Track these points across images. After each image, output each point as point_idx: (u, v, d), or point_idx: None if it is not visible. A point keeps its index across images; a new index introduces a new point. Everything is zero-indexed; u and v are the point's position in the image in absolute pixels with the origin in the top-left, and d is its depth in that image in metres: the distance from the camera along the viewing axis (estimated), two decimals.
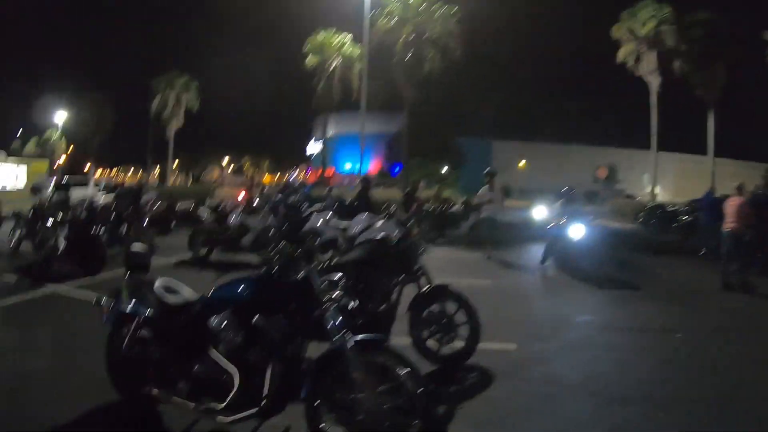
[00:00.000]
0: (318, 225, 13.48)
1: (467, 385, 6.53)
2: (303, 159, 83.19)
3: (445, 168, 61.92)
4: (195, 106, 57.96)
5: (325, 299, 4.30)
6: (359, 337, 4.27)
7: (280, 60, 77.37)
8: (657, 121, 43.19)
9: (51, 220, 13.87)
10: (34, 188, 15.94)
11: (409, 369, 4.11)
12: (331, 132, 72.06)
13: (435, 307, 6.92)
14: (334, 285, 4.42)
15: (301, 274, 4.46)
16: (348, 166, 67.80)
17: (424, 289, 6.97)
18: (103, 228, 13.45)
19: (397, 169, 58.59)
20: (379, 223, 12.13)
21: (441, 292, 6.95)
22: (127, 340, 5.17)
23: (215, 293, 4.78)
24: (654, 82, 42.40)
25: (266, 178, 78.96)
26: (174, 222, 22.29)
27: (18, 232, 16.32)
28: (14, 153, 49.58)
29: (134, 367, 5.10)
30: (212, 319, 4.57)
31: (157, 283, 5.20)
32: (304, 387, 4.26)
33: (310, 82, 49.81)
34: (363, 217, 12.66)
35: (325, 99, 49.36)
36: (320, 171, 64.97)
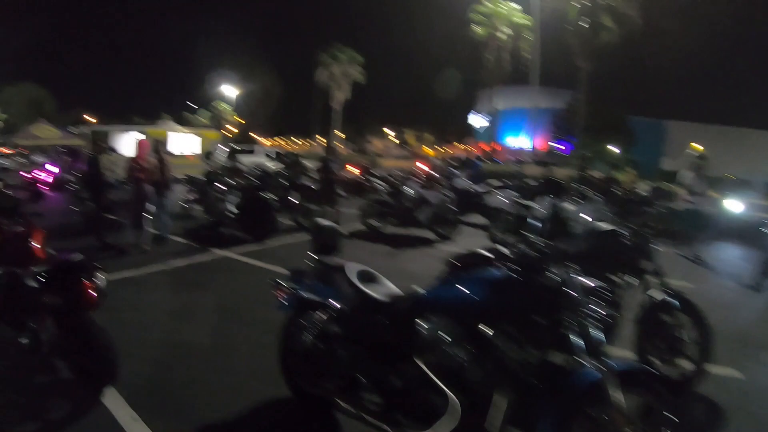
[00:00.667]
0: (504, 203, 12.17)
1: (700, 418, 4.97)
2: (466, 133, 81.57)
3: (615, 149, 57.62)
4: (360, 78, 58.04)
5: (579, 312, 3.14)
6: (622, 364, 3.09)
7: (444, 32, 75.78)
8: None
9: (222, 186, 13.67)
10: (208, 155, 15.85)
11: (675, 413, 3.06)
12: (496, 106, 70.21)
13: (665, 318, 5.34)
14: (587, 293, 3.27)
15: (554, 278, 3.26)
16: (514, 141, 65.56)
17: (655, 295, 5.39)
18: (274, 195, 12.93)
19: (565, 147, 55.28)
20: (568, 205, 10.99)
21: (676, 302, 5.31)
22: (308, 331, 4.26)
23: (434, 290, 3.71)
24: None
25: (428, 150, 78.40)
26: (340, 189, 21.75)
27: (191, 196, 16.51)
28: (186, 123, 52.39)
29: (314, 365, 4.18)
30: (423, 321, 3.48)
31: (352, 269, 4.21)
32: (542, 424, 3.03)
33: (474, 54, 47.67)
34: (551, 198, 11.67)
35: (494, 71, 47.04)
36: (485, 146, 63.40)
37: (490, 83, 49.51)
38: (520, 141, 66.74)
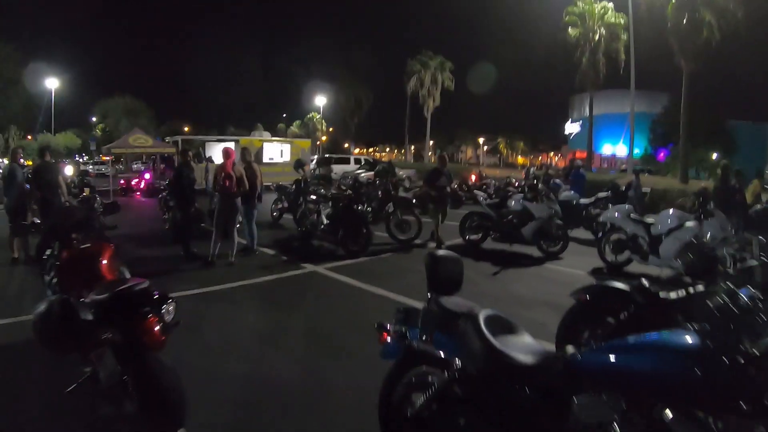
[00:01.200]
0: (616, 218, 10.85)
1: None
2: (558, 140, 79.00)
3: (715, 155, 53.57)
4: (450, 85, 57.05)
5: None
6: None
7: (537, 36, 73.41)
8: None
9: (313, 196, 13.01)
10: (298, 163, 15.21)
11: None
12: (588, 111, 67.52)
13: None
14: None
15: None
16: (609, 148, 62.70)
17: None
18: (368, 207, 12.12)
19: (663, 153, 52.29)
20: (692, 222, 9.31)
21: None
22: (419, 390, 3.25)
23: (596, 355, 2.63)
24: None
25: (520, 159, 76.38)
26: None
27: (280, 205, 15.97)
28: (279, 134, 52.99)
29: None
30: (582, 398, 2.47)
31: (482, 317, 3.07)
32: None
33: (568, 58, 45.38)
34: (671, 213, 10.07)
35: (589, 74, 44.61)
36: (580, 153, 60.94)
37: (584, 88, 47.05)
38: (616, 148, 63.61)
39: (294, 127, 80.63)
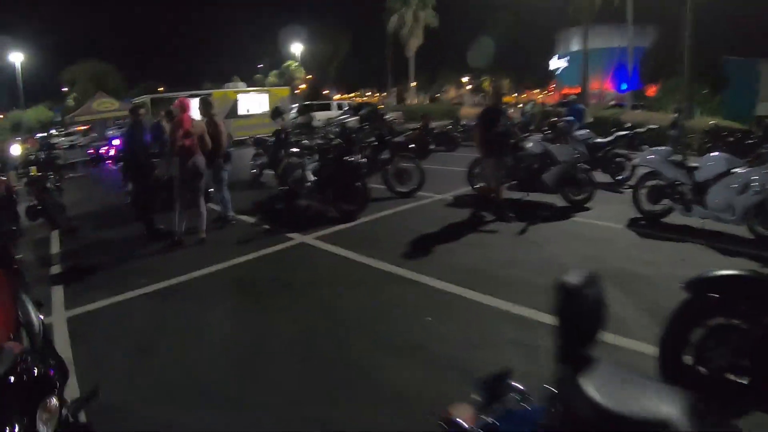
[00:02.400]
0: (654, 161, 9.08)
1: None
2: (545, 77, 76.28)
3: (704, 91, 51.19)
4: (434, 23, 53.54)
5: None
6: None
7: None
8: None
9: (296, 148, 11.06)
10: (276, 112, 13.11)
11: None
12: (576, 47, 65.01)
13: None
14: None
15: None
16: (597, 85, 60.32)
17: None
18: (362, 157, 10.18)
19: (653, 89, 50.20)
20: (743, 168, 7.98)
21: None
22: None
23: None
24: None
25: (506, 97, 73.79)
26: (431, 144, 18.95)
27: (260, 161, 14.00)
28: (257, 85, 50.41)
29: None
30: None
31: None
32: None
33: None
34: (717, 156, 8.48)
35: (584, 6, 41.87)
36: (570, 90, 58.87)
37: (579, 20, 44.64)
38: (603, 84, 61.29)
39: (272, 77, 77.24)
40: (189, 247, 8.04)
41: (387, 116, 14.39)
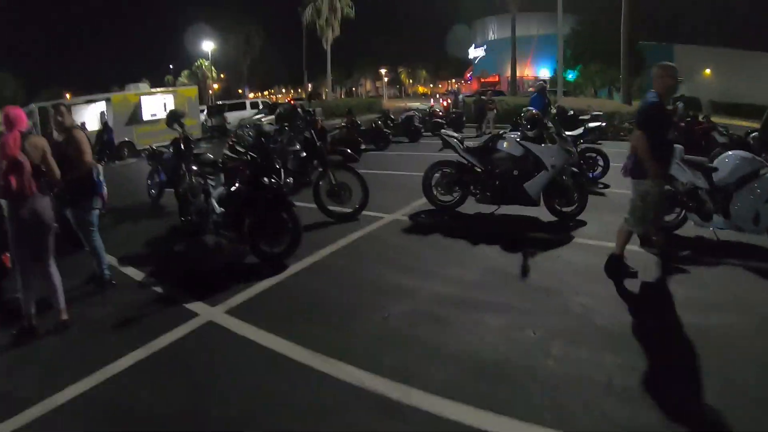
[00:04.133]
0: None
1: None
2: (462, 66, 74.53)
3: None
4: (350, 13, 50.11)
5: None
6: None
7: None
8: None
9: (199, 165, 8.00)
10: (171, 116, 9.60)
11: None
12: (493, 36, 63.78)
13: None
14: None
15: None
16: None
17: None
18: (287, 176, 7.25)
19: (571, 75, 49.38)
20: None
21: None
22: None
23: None
24: None
25: (422, 88, 71.45)
26: (362, 144, 16.39)
27: (157, 178, 10.90)
28: (167, 86, 46.21)
29: None
30: None
31: None
32: None
33: None
34: (738, 156, 6.85)
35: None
36: (483, 78, 57.55)
37: (493, 10, 43.33)
38: (523, 71, 60.30)
39: (183, 78, 72.34)
40: (43, 340, 4.88)
41: (313, 112, 11.48)
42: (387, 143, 18.24)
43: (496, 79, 58.83)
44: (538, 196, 7.93)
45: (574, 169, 8.13)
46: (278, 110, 11.17)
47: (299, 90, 69.16)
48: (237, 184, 6.93)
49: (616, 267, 5.68)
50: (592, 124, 11.58)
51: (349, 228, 7.86)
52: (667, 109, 5.62)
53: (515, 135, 8.29)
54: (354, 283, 5.81)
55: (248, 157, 6.98)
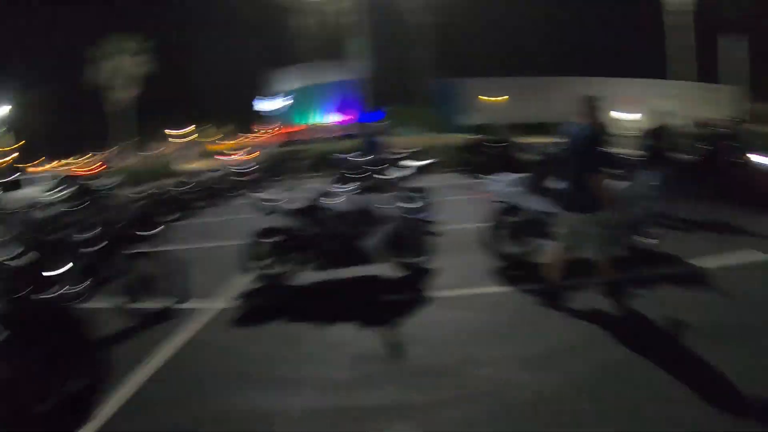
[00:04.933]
0: (507, 192, 6.46)
1: None
2: (254, 120, 72.57)
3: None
4: (148, 71, 47.16)
5: None
6: None
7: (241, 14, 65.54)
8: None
9: None
10: None
11: None
12: (292, 86, 63.26)
13: None
14: None
15: None
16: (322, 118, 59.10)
17: None
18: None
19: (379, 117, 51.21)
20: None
21: None
22: None
23: None
24: None
25: (222, 144, 67.45)
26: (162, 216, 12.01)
27: None
28: None
29: None
30: None
31: None
32: None
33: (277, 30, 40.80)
34: None
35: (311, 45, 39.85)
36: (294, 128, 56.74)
37: (289, 61, 43.31)
38: (331, 117, 60.52)
39: None
40: None
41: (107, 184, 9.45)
42: (187, 211, 15.57)
43: (301, 128, 58.29)
44: (380, 253, 6.87)
45: (414, 216, 7.20)
46: (65, 186, 9.17)
47: (95, 156, 62.95)
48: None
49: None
50: (421, 162, 10.84)
51: (165, 332, 5.89)
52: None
53: (345, 188, 7.16)
54: (191, 424, 4.15)
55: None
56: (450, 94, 49.90)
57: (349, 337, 5.35)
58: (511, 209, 7.04)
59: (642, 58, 42.12)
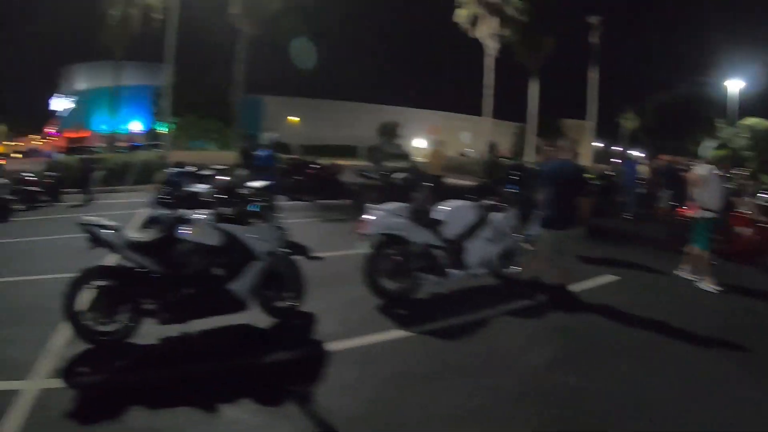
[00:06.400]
0: (392, 223, 6.43)
1: None
2: (43, 119, 63.39)
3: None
4: None
5: None
6: None
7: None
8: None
9: None
10: None
11: None
12: (82, 86, 56.07)
13: None
14: None
15: None
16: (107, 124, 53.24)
17: None
18: None
19: (165, 127, 48.02)
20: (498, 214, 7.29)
21: None
22: None
23: None
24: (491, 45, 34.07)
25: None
26: None
27: None
28: None
29: None
30: None
31: None
32: None
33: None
34: (462, 206, 7.03)
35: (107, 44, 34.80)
36: (74, 133, 50.26)
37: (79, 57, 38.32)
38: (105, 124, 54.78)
39: None
40: None
41: None
42: (4, 215, 12.43)
43: (88, 134, 51.85)
44: (250, 297, 5.23)
45: (285, 249, 5.65)
46: None
47: None
48: None
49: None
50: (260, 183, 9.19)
51: None
52: None
53: (203, 216, 5.33)
54: None
55: None
56: (254, 110, 47.89)
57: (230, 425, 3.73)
58: (392, 241, 6.15)
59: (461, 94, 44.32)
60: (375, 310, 5.80)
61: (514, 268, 7.00)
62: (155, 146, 32.98)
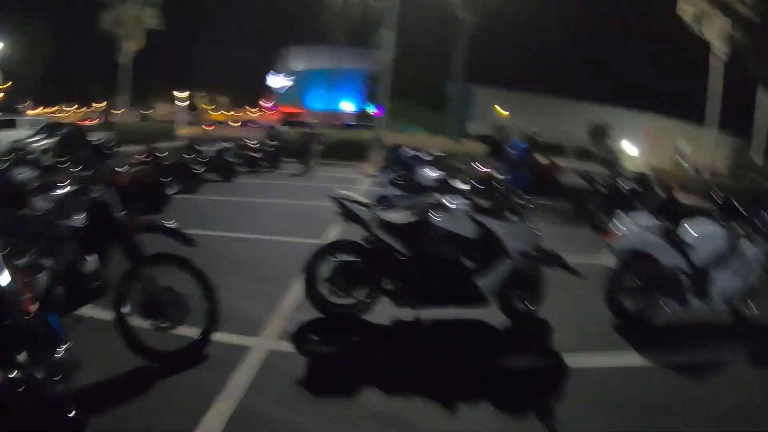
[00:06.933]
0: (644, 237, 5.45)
1: None
2: (261, 94, 68.83)
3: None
4: (156, 25, 41.51)
5: None
6: None
7: None
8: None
9: None
10: None
11: None
12: (299, 66, 60.45)
13: None
14: None
15: None
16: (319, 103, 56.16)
17: None
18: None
19: (378, 110, 49.30)
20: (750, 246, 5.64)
21: None
22: None
23: None
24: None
25: (217, 115, 63.80)
26: (169, 187, 10.32)
27: None
28: None
29: None
30: None
31: None
32: None
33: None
34: (712, 230, 5.64)
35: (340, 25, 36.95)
36: (289, 108, 54.18)
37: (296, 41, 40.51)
38: (325, 104, 57.89)
39: None
40: None
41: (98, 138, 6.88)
42: (196, 183, 13.07)
43: (302, 110, 55.62)
44: (493, 294, 4.77)
45: (531, 250, 5.09)
46: (62, 132, 6.87)
47: (88, 108, 58.29)
48: None
49: None
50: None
51: (192, 386, 3.57)
52: None
53: (462, 204, 5.00)
54: None
55: None
56: (465, 99, 47.90)
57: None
58: (641, 258, 5.35)
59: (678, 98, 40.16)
60: (611, 328, 5.12)
61: (753, 309, 5.81)
62: (367, 126, 34.23)
